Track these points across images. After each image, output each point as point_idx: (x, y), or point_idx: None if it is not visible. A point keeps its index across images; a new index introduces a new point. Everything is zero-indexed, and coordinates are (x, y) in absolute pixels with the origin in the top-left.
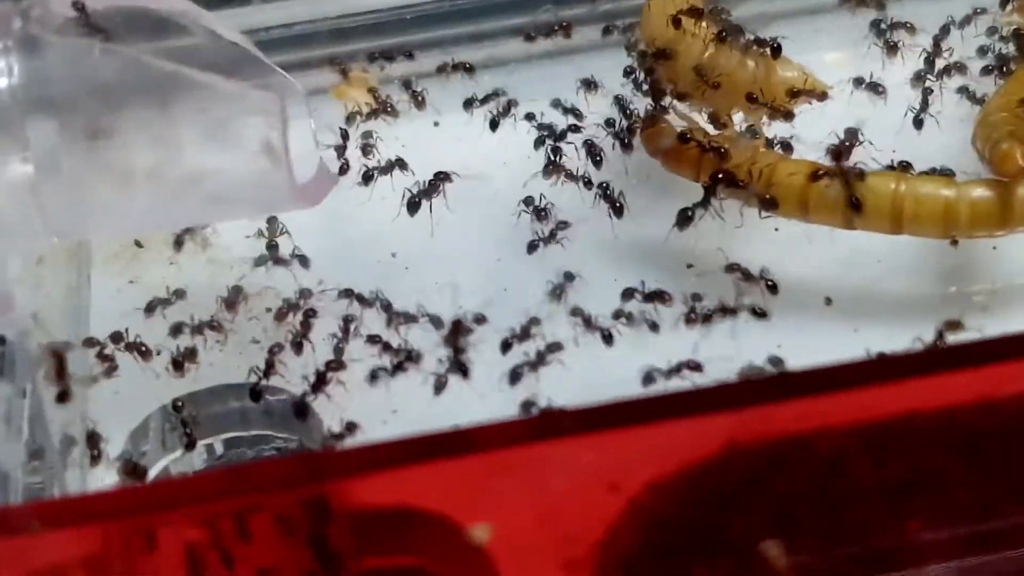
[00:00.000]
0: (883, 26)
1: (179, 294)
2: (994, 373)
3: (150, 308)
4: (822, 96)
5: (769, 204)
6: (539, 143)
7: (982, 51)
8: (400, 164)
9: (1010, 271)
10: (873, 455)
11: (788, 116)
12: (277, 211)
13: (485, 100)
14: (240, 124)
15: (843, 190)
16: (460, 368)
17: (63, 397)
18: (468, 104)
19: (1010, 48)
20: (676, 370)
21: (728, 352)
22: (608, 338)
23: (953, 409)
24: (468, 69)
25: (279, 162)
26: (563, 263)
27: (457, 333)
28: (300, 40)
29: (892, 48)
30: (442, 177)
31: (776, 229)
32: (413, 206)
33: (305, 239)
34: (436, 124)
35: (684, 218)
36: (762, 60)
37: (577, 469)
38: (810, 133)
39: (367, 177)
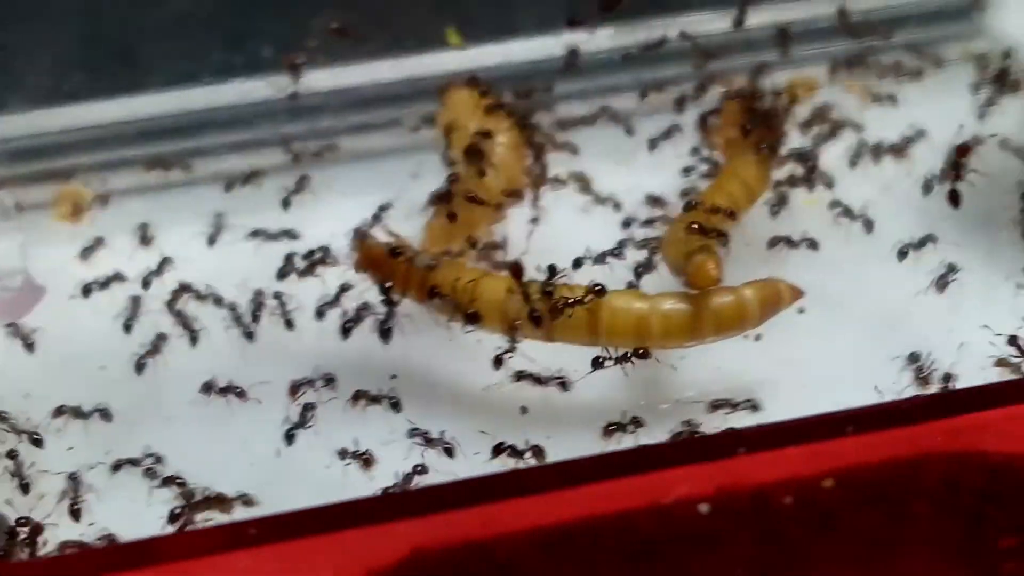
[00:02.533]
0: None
1: None
2: (664, 478)
3: None
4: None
5: (472, 318)
6: None
7: (686, 171)
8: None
9: (689, 383)
10: (552, 560)
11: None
12: None
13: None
14: None
15: (541, 305)
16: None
17: None
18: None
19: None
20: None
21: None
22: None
23: (627, 514)
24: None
25: None
26: None
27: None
28: (20, 154)
29: None
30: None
31: None
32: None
33: None
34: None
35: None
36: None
37: None
38: None
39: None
